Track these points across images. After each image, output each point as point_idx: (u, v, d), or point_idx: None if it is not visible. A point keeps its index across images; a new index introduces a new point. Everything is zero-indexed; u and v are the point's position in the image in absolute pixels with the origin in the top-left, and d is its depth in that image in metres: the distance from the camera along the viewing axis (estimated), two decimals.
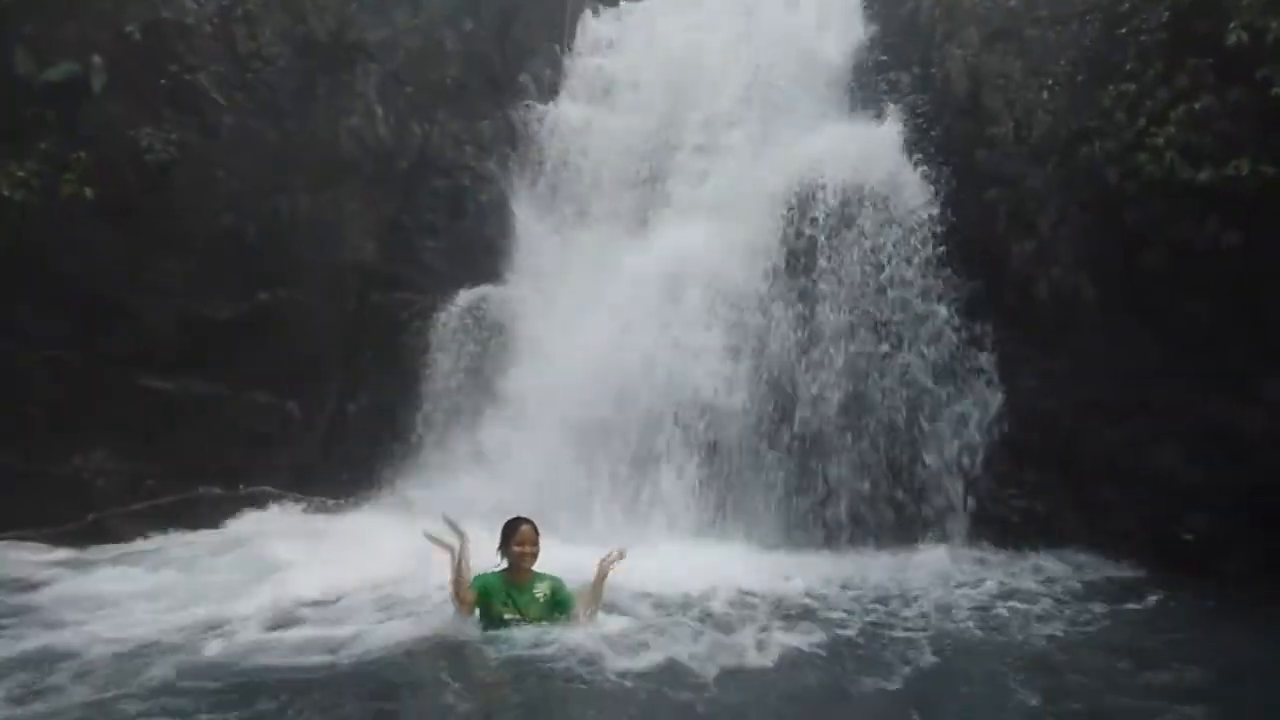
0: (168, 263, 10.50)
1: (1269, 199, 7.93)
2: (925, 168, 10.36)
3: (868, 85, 11.52)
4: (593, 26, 13.08)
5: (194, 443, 10.41)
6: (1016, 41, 10.17)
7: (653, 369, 10.02)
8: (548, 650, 5.87)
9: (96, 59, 10.15)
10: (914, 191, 10.22)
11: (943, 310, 9.83)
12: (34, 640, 6.27)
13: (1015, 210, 9.66)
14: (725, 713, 5.31)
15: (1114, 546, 8.76)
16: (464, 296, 11.41)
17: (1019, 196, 9.66)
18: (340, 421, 11.42)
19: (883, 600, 7.50)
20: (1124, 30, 9.13)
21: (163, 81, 10.54)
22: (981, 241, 9.81)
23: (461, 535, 6.32)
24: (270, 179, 11.11)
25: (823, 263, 10.14)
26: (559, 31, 12.84)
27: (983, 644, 6.53)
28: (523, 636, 6.05)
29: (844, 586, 7.87)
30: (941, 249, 9.99)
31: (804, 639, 6.37)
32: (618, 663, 5.69)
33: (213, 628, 6.53)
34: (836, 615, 7.07)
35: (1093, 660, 6.18)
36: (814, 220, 10.29)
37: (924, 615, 7.12)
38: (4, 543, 9.25)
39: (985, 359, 9.70)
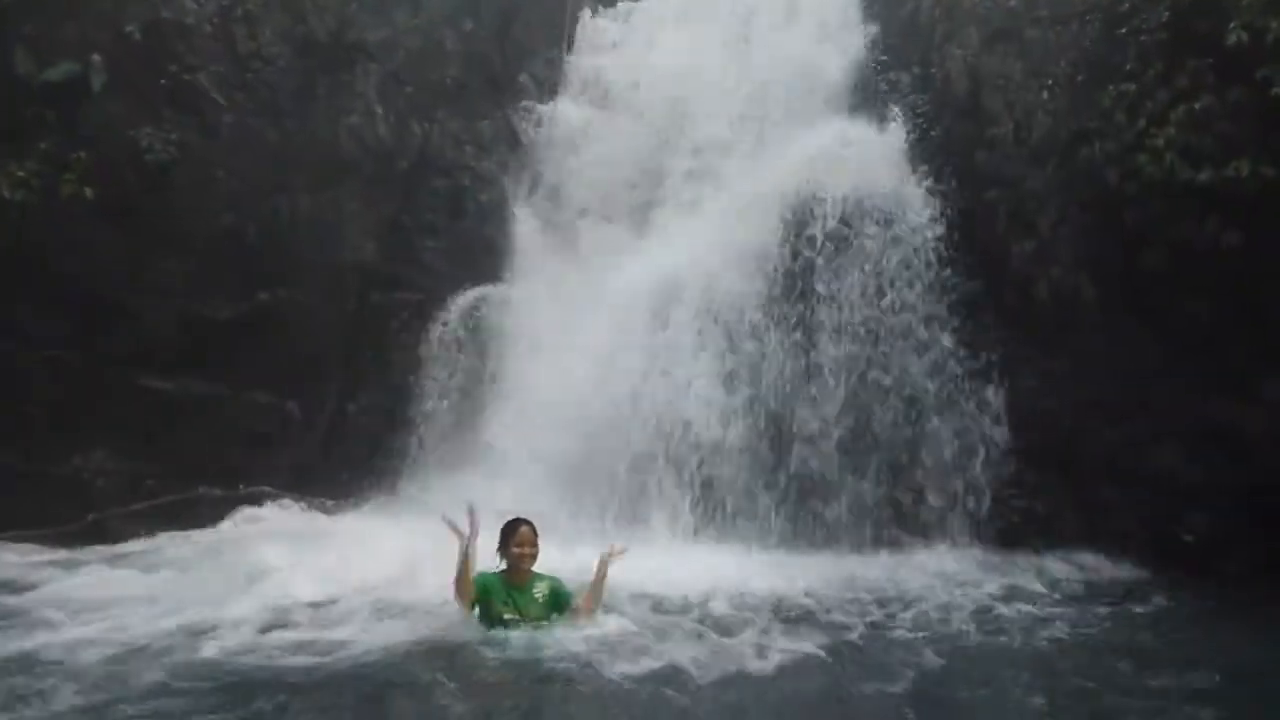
0: (168, 263, 10.49)
1: (1269, 199, 7.94)
2: (930, 181, 10.16)
3: (869, 99, 11.33)
4: (592, 26, 13.07)
5: (194, 443, 10.41)
6: (1016, 42, 10.18)
7: (640, 400, 9.74)
8: (547, 653, 5.85)
9: (96, 59, 10.14)
10: (918, 208, 10.03)
11: (947, 340, 9.66)
12: (21, 643, 6.16)
13: (1015, 211, 9.67)
14: (725, 716, 5.30)
15: (1114, 547, 8.77)
16: (464, 297, 11.41)
17: (1019, 197, 9.66)
18: (340, 421, 11.42)
19: (882, 602, 7.48)
20: (1124, 31, 9.14)
21: (163, 81, 10.53)
22: (981, 242, 9.82)
23: (472, 528, 6.30)
24: (270, 179, 11.11)
25: (821, 288, 9.91)
26: (559, 32, 12.84)
27: (984, 646, 6.50)
28: (522, 639, 6.02)
29: (843, 588, 7.83)
30: (947, 272, 9.80)
31: (804, 642, 6.34)
32: (616, 666, 5.65)
33: (207, 630, 6.44)
34: (836, 617, 7.04)
35: (1094, 662, 6.18)
36: (811, 239, 10.09)
37: (925, 617, 7.10)
38: (1, 543, 9.22)
39: (991, 392, 9.50)
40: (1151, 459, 8.81)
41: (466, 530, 6.24)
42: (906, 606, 7.36)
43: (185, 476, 10.26)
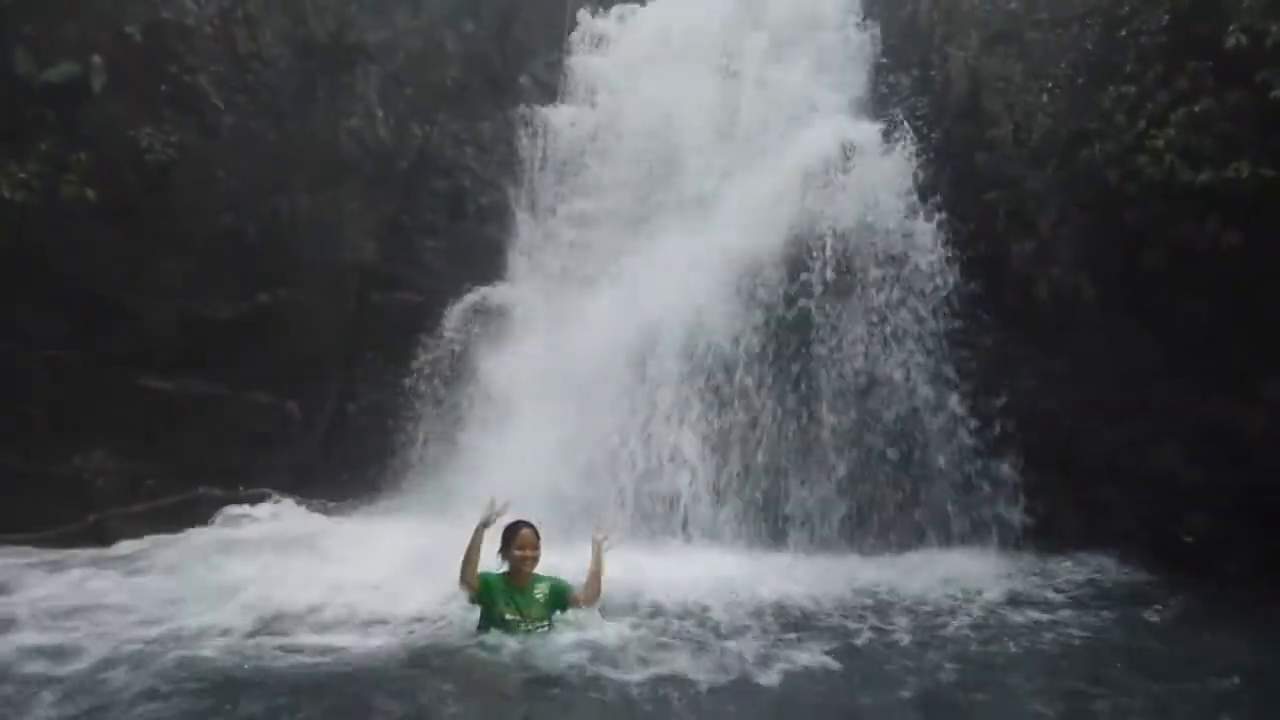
0: (168, 263, 10.49)
1: (1268, 200, 7.96)
2: (941, 214, 9.82)
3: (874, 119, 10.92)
4: (590, 26, 13.06)
5: (194, 443, 10.40)
6: (1016, 44, 10.20)
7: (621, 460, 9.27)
8: (545, 660, 5.81)
9: (97, 59, 10.13)
10: (926, 246, 9.70)
11: (955, 404, 9.44)
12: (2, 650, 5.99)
13: (1015, 211, 9.68)
14: None
15: (1114, 547, 8.77)
16: (464, 297, 11.40)
17: (1019, 198, 9.68)
18: (340, 422, 11.42)
19: (884, 606, 7.45)
20: (1124, 33, 9.16)
21: (163, 82, 10.53)
22: (981, 242, 9.82)
23: (488, 520, 6.30)
24: (270, 179, 11.11)
25: (820, 351, 9.56)
26: (559, 33, 12.84)
27: (986, 651, 6.47)
28: (520, 644, 5.99)
29: (844, 591, 7.80)
30: (958, 323, 9.57)
31: (806, 647, 6.29)
32: (616, 674, 5.61)
33: (194, 635, 6.37)
34: (838, 621, 7.02)
35: (1097, 665, 6.17)
36: (807, 286, 9.80)
37: (927, 621, 7.08)
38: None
39: (1007, 471, 9.17)
40: (1151, 459, 8.82)
41: (488, 515, 6.25)
42: (908, 610, 7.34)
43: (185, 477, 10.25)
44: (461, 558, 6.20)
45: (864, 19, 11.88)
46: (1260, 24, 7.98)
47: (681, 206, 11.08)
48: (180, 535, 9.59)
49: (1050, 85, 9.73)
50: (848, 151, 10.41)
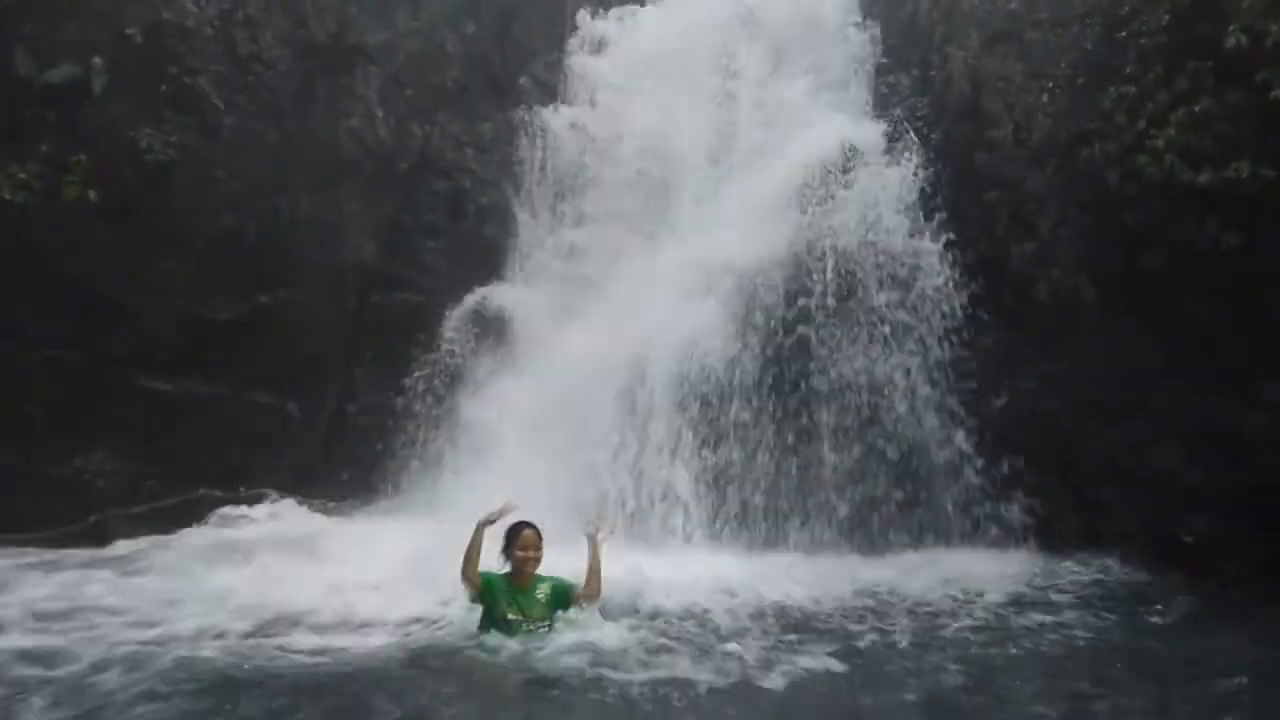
0: (168, 263, 10.49)
1: (1269, 201, 7.95)
2: (949, 233, 9.60)
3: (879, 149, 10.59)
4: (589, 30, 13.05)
5: (194, 443, 10.40)
6: (1017, 44, 10.20)
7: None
8: (546, 662, 5.80)
9: (97, 60, 10.14)
10: (933, 268, 9.54)
11: (962, 440, 9.33)
12: None
13: (1015, 212, 9.67)
14: None
15: (1114, 548, 8.76)
16: (464, 298, 11.39)
17: (1019, 199, 9.67)
18: (340, 422, 11.42)
19: (884, 607, 7.43)
20: (1124, 33, 9.16)
21: (163, 83, 10.53)
22: (981, 243, 9.81)
23: (490, 518, 6.30)
24: (270, 180, 11.12)
25: (821, 387, 9.34)
26: (559, 33, 12.84)
27: (988, 653, 6.45)
28: (520, 646, 5.98)
29: (844, 592, 7.78)
30: (967, 355, 9.39)
31: (807, 648, 6.28)
32: (617, 676, 5.58)
33: (191, 635, 6.34)
34: (838, 623, 7.00)
35: (1099, 668, 6.15)
36: (806, 313, 9.56)
37: (927, 622, 7.06)
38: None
39: (1007, 472, 9.04)
40: (1151, 460, 8.81)
41: (493, 515, 6.26)
42: (908, 611, 7.33)
43: (186, 477, 10.26)
44: (462, 556, 6.20)
45: (864, 19, 11.85)
46: (1260, 24, 7.97)
47: (675, 227, 10.97)
48: (178, 535, 9.59)
49: (1050, 85, 9.73)
50: (849, 155, 10.34)
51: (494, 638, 6.10)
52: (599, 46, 12.93)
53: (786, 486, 9.32)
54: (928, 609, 7.38)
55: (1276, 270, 8.00)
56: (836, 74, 11.51)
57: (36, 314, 9.86)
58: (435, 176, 12.26)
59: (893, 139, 10.47)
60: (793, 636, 6.57)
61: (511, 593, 6.22)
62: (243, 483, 10.49)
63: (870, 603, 7.55)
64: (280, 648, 6.14)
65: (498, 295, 11.41)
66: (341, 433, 11.37)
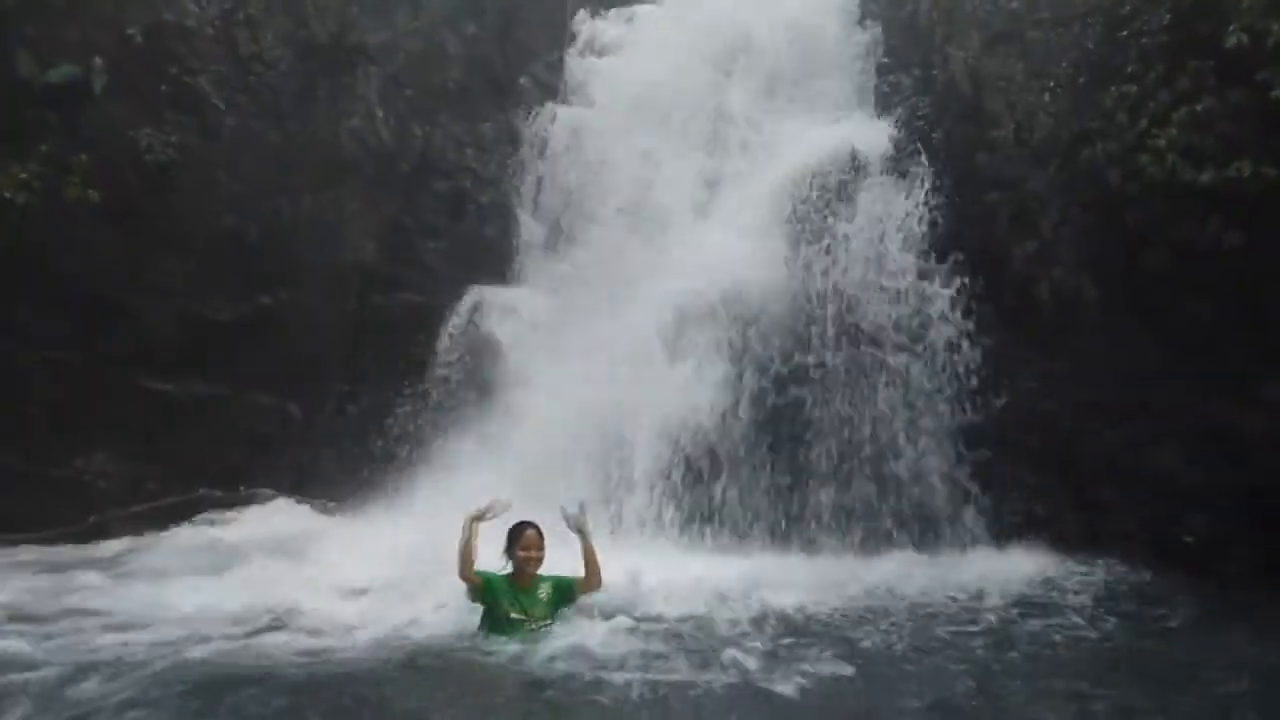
0: (168, 263, 10.51)
1: (1270, 200, 7.94)
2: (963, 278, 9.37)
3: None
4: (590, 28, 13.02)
5: (194, 444, 10.43)
6: (1018, 44, 10.18)
7: None
8: (546, 661, 5.78)
9: (98, 61, 10.16)
10: (944, 314, 9.42)
11: (972, 516, 9.18)
12: None
13: (1016, 212, 9.66)
14: None
15: (1114, 548, 8.73)
16: (465, 298, 11.40)
17: (1020, 198, 9.66)
18: (340, 422, 11.41)
19: (884, 609, 7.38)
20: (1125, 33, 9.14)
21: (164, 84, 10.56)
22: (982, 243, 9.80)
23: (479, 514, 6.29)
24: (271, 180, 11.13)
25: (821, 424, 9.28)
26: (560, 34, 12.85)
27: (988, 653, 6.43)
28: (526, 644, 5.97)
29: (844, 594, 7.72)
30: (979, 419, 9.19)
31: (806, 651, 6.23)
32: (617, 679, 5.55)
33: (190, 634, 6.30)
34: (838, 625, 6.96)
35: (1101, 670, 6.13)
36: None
37: (928, 624, 7.03)
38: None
39: (1007, 472, 9.01)
40: (1152, 460, 8.79)
41: (484, 510, 6.24)
42: (909, 613, 7.29)
43: (186, 477, 10.28)
44: (458, 555, 6.19)
45: (863, 20, 11.84)
46: (1261, 23, 7.96)
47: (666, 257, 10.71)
48: (170, 535, 9.61)
49: (1052, 85, 9.71)
50: (856, 161, 10.28)
51: (493, 638, 6.09)
52: (600, 54, 12.84)
53: (786, 486, 9.31)
54: (928, 610, 7.35)
55: (1278, 270, 7.99)
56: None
57: (37, 314, 9.88)
58: (436, 177, 12.27)
59: (899, 165, 10.31)
60: (790, 638, 6.54)
61: (514, 593, 6.21)
62: (243, 483, 10.52)
63: (870, 605, 7.50)
64: (278, 648, 6.13)
65: (498, 295, 11.42)
66: (342, 433, 11.36)
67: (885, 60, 11.60)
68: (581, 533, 6.42)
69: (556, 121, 12.18)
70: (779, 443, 9.38)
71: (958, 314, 9.52)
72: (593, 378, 9.71)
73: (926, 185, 10.07)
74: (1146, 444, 8.82)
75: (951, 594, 7.81)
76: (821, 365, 9.45)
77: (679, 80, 11.89)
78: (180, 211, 10.52)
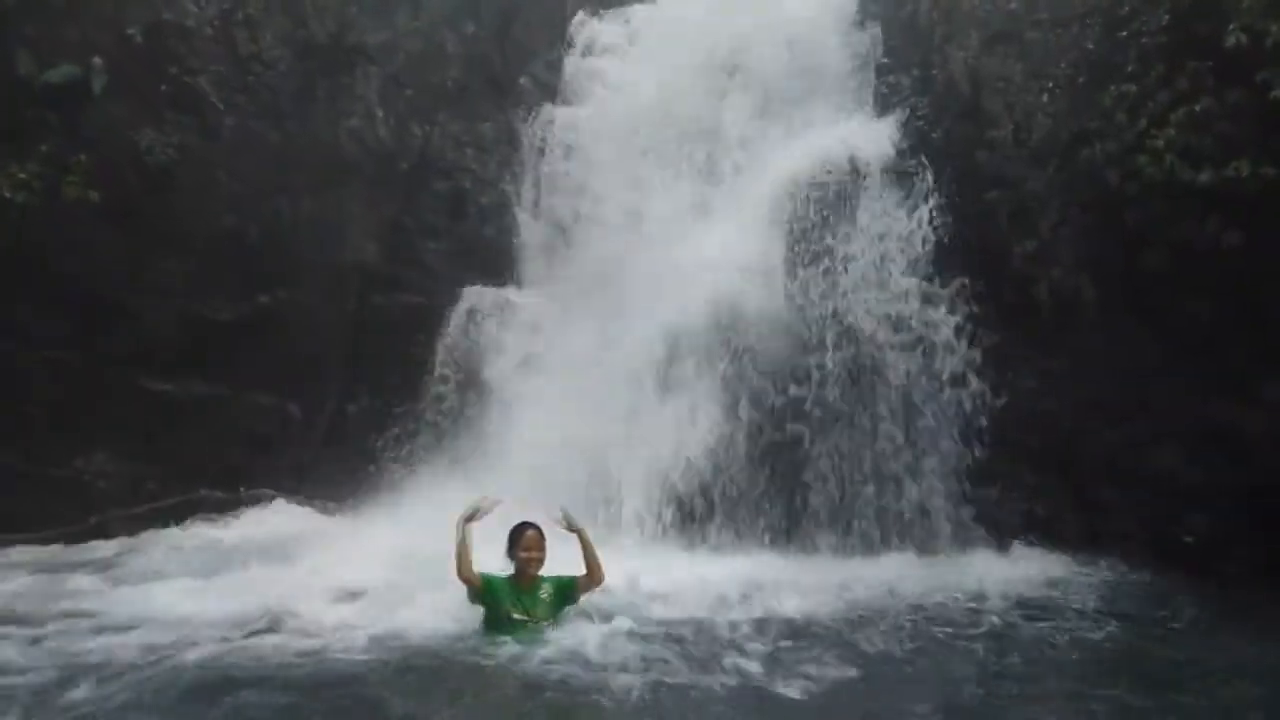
0: (168, 263, 10.52)
1: (1269, 200, 7.94)
2: (971, 306, 9.32)
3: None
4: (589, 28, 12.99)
5: (195, 444, 10.43)
6: (1017, 44, 10.17)
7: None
8: (546, 662, 5.78)
9: (97, 61, 10.16)
10: (949, 342, 9.30)
11: (971, 517, 9.12)
12: None
13: (1016, 212, 9.65)
14: None
15: (1114, 548, 8.73)
16: (465, 298, 11.39)
17: (1019, 198, 9.65)
18: (341, 423, 11.42)
19: (883, 609, 7.36)
20: (1124, 33, 9.14)
21: (164, 84, 10.56)
22: (981, 243, 9.80)
23: (471, 514, 6.29)
24: (271, 180, 11.13)
25: (822, 458, 9.12)
26: (560, 33, 12.84)
27: (988, 654, 6.43)
28: (527, 644, 5.97)
29: (843, 595, 7.71)
30: (988, 454, 9.07)
31: (807, 653, 6.23)
32: (618, 682, 5.54)
33: (197, 635, 6.29)
34: (837, 625, 6.94)
35: (1102, 671, 6.13)
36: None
37: (928, 626, 7.01)
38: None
39: (1007, 472, 8.98)
40: (1151, 460, 8.79)
41: (473, 511, 6.25)
42: (908, 613, 7.27)
43: (186, 478, 10.28)
44: (454, 556, 6.20)
45: (863, 20, 11.82)
46: (1260, 24, 7.95)
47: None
48: (169, 536, 9.60)
49: (1050, 85, 9.71)
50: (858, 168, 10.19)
51: (493, 639, 6.09)
52: (600, 47, 12.82)
53: (783, 485, 9.31)
54: (927, 611, 7.34)
55: (1277, 269, 7.99)
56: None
57: (36, 314, 9.89)
58: (436, 176, 12.26)
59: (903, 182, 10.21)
60: (790, 640, 6.53)
61: (515, 593, 6.22)
62: (243, 483, 10.52)
63: (870, 605, 7.48)
64: (278, 648, 6.11)
65: (498, 295, 11.42)
66: (342, 434, 11.36)
67: (884, 60, 11.54)
68: (577, 532, 6.44)
69: (555, 123, 12.17)
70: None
71: (958, 314, 9.54)
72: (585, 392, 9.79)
73: (926, 185, 10.08)
74: (1146, 444, 8.82)
75: (952, 595, 7.78)
76: (821, 367, 9.47)
77: (677, 81, 11.84)
78: (180, 211, 10.52)
